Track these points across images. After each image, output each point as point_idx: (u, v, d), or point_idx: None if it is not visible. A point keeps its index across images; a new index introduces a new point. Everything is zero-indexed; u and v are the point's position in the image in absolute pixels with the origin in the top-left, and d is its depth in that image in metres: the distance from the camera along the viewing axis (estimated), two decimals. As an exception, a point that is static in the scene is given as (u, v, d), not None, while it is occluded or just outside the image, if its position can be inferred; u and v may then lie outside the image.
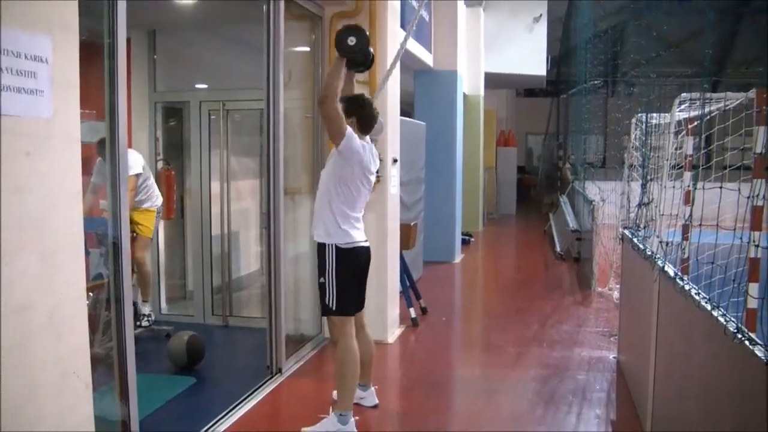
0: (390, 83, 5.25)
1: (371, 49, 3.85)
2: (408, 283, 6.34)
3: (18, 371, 2.12)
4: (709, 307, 2.64)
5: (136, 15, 3.17)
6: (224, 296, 6.09)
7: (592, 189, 9.87)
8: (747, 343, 2.19)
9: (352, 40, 3.56)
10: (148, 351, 5.12)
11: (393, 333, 5.72)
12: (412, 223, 6.47)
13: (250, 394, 4.24)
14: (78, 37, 2.35)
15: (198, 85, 6.50)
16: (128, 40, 2.96)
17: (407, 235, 6.21)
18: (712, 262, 2.87)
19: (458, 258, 9.87)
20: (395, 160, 5.75)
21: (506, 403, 4.43)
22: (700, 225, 3.37)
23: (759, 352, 2.10)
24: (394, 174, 5.70)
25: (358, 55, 3.69)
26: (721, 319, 2.46)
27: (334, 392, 4.02)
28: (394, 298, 5.77)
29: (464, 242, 10.84)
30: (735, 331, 2.29)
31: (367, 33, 3.71)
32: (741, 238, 2.60)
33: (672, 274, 3.33)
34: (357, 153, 3.65)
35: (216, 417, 3.85)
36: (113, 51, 2.85)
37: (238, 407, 4.04)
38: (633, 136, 7.16)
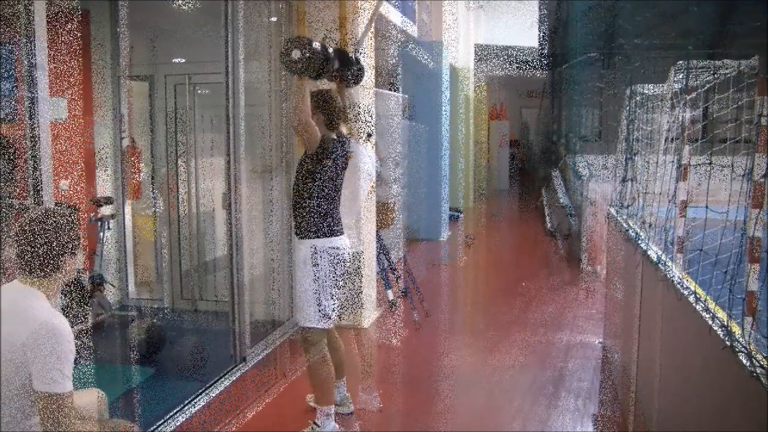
0: (363, 54, 4.93)
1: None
2: (386, 264, 6.08)
3: None
4: (692, 300, 2.38)
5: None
6: (194, 280, 5.83)
7: (586, 163, 9.60)
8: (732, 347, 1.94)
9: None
10: (113, 339, 4.88)
11: (369, 317, 5.48)
12: (389, 201, 6.19)
13: (210, 385, 4.00)
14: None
15: (163, 58, 6.16)
16: (87, 12, 2.66)
17: (384, 214, 5.93)
18: (701, 250, 2.60)
19: (445, 236, 9.61)
20: (369, 135, 5.44)
21: (482, 393, 4.25)
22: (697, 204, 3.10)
23: (742, 357, 1.86)
24: (369, 150, 5.40)
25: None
26: (706, 316, 2.20)
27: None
28: (370, 280, 5.51)
29: (453, 218, 10.58)
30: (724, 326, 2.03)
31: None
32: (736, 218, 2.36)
33: (655, 258, 3.07)
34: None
35: (172, 410, 3.61)
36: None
37: (195, 399, 3.80)
38: (627, 109, 6.85)
